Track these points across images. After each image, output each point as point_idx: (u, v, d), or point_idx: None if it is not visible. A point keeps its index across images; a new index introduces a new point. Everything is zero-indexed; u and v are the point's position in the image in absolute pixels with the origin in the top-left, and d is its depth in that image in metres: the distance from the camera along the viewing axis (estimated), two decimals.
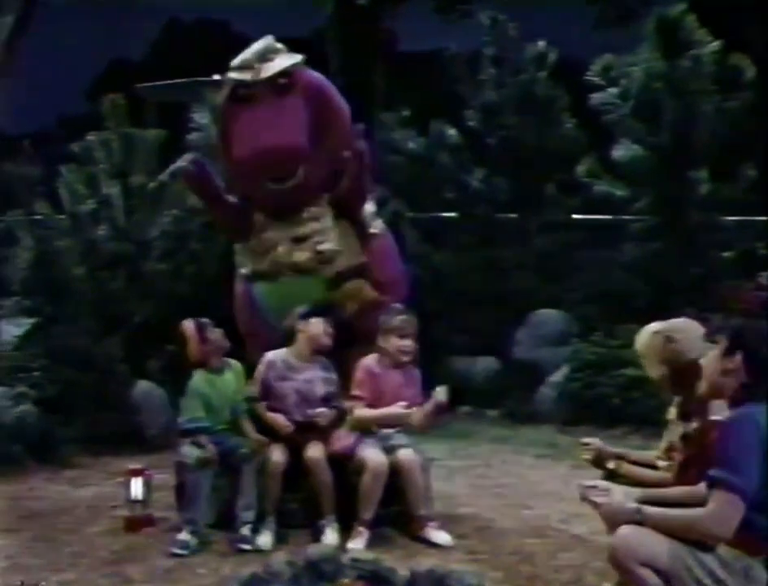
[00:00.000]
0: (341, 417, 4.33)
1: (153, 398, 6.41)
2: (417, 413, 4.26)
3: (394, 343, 4.30)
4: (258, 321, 4.61)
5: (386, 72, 9.13)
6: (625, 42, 8.23)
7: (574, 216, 8.74)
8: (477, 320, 8.03)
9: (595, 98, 7.76)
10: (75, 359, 6.39)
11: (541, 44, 8.81)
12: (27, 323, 7.10)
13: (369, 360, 4.35)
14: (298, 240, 4.43)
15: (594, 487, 2.85)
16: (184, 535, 4.07)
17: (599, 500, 2.77)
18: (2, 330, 7.17)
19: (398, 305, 4.41)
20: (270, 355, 4.36)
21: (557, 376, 7.29)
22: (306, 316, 4.33)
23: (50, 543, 4.22)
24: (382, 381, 4.31)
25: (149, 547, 4.11)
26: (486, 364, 7.90)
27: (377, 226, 4.68)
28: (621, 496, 2.78)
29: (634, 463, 3.31)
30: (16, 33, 7.16)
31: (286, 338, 4.39)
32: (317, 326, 4.32)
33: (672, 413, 3.30)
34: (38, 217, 7.03)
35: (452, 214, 8.91)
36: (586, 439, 3.37)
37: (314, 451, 4.18)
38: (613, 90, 7.71)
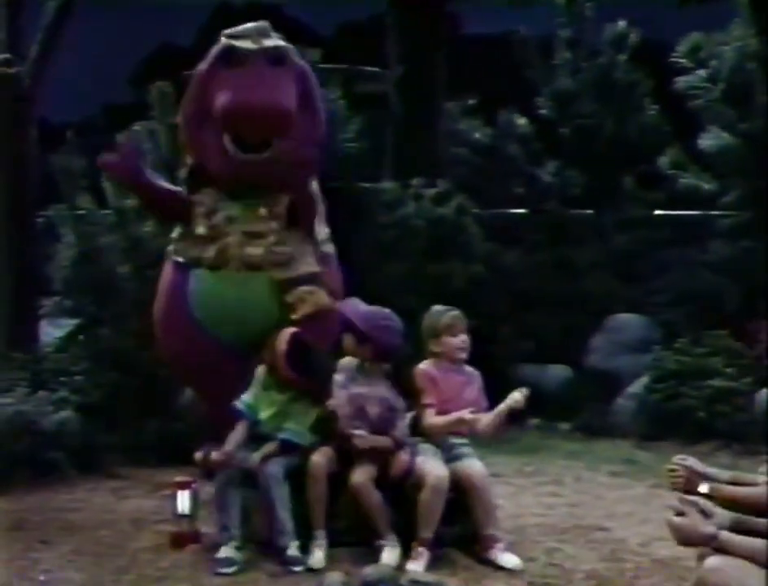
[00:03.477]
0: (397, 447, 4.26)
1: (200, 406, 6.46)
2: (488, 417, 4.25)
3: (448, 342, 4.32)
4: (183, 315, 4.59)
5: (450, 57, 9.11)
6: (715, 19, 8.08)
7: (656, 211, 8.63)
8: (549, 325, 7.97)
9: (681, 81, 7.63)
10: (119, 362, 6.47)
11: (621, 24, 8.70)
12: (69, 324, 7.22)
13: (426, 366, 4.36)
14: (253, 235, 4.51)
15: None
16: (226, 552, 4.10)
17: (673, 518, 2.75)
18: (43, 331, 7.31)
19: (438, 306, 4.41)
20: (345, 360, 4.39)
21: (636, 387, 7.19)
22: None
23: (92, 557, 4.29)
24: (443, 385, 4.32)
25: (196, 565, 4.14)
26: (557, 372, 7.83)
27: (328, 247, 4.78)
28: (700, 516, 2.74)
29: (731, 484, 3.22)
30: (60, 18, 7.33)
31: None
32: (347, 341, 4.33)
33: None
34: (81, 212, 7.14)
35: (522, 210, 8.85)
36: (677, 461, 3.29)
37: (359, 475, 4.13)
38: (701, 73, 7.57)
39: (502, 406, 4.25)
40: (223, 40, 4.62)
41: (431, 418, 4.28)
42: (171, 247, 4.79)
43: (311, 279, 4.57)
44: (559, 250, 8.40)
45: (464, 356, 4.38)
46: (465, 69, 10.64)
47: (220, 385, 4.50)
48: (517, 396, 4.24)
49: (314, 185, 4.75)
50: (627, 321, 7.82)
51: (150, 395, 6.39)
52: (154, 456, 6.03)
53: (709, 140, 7.59)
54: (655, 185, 8.46)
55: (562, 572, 4.05)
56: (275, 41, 4.61)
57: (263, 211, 4.57)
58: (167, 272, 4.80)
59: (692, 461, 3.23)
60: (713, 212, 7.94)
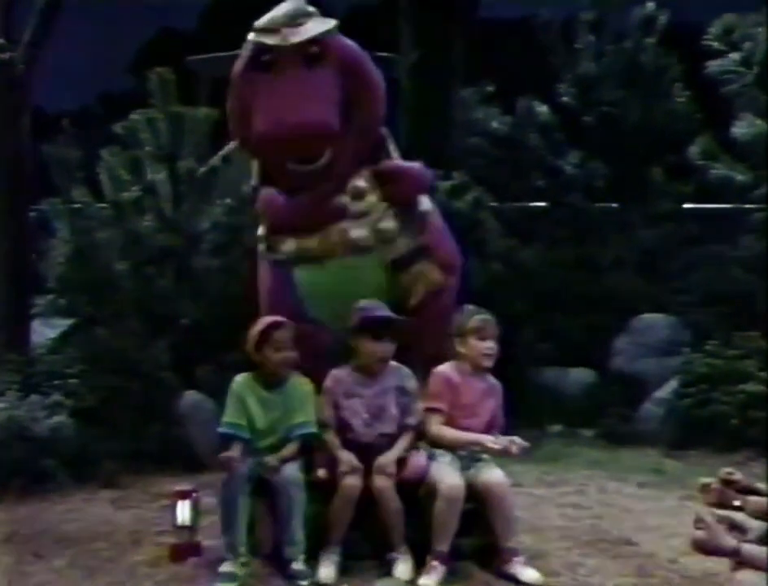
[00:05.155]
0: (417, 437, 4.30)
1: (202, 411, 6.47)
2: (501, 440, 4.22)
3: (475, 345, 4.29)
4: (297, 315, 4.46)
5: (467, 42, 9.09)
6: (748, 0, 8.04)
7: (686, 205, 8.59)
8: (571, 325, 7.95)
9: (713, 66, 7.59)
10: (116, 365, 6.48)
11: (649, 5, 8.68)
12: (63, 324, 7.24)
13: (446, 368, 4.35)
14: (354, 216, 4.43)
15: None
16: (228, 566, 4.09)
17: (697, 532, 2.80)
18: (36, 331, 7.31)
19: (471, 306, 4.40)
20: (336, 370, 4.37)
21: (664, 391, 7.17)
22: (358, 331, 4.29)
23: (87, 571, 4.29)
24: (461, 391, 4.30)
25: (196, 578, 4.15)
26: (580, 376, 7.81)
27: (425, 203, 4.64)
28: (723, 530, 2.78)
29: None
30: (54, 1, 7.33)
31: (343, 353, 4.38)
32: (372, 346, 4.29)
33: None
34: (77, 206, 7.16)
35: (542, 204, 8.83)
36: (707, 481, 3.30)
37: (382, 479, 4.13)
38: (734, 56, 7.53)
39: (505, 441, 4.19)
40: (252, 36, 4.46)
41: (440, 428, 4.26)
42: (261, 246, 4.62)
43: (419, 253, 4.47)
44: (582, 246, 8.38)
45: (489, 363, 4.34)
46: (483, 54, 10.61)
47: None
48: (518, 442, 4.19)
49: (394, 160, 4.62)
50: (654, 322, 7.79)
51: (149, 399, 6.40)
52: (153, 464, 6.04)
53: (743, 128, 7.54)
54: (684, 177, 8.43)
55: None
56: (310, 28, 4.40)
57: (360, 184, 4.46)
58: (264, 273, 4.64)
59: (739, 476, 3.23)
60: (746, 206, 7.90)
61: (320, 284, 4.47)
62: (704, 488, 3.30)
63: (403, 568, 4.08)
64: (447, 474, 4.11)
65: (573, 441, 7.18)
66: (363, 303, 4.34)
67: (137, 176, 7.20)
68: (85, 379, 6.30)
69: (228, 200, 7.40)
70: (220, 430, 4.28)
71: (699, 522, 2.87)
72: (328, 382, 4.34)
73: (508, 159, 8.92)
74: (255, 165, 4.69)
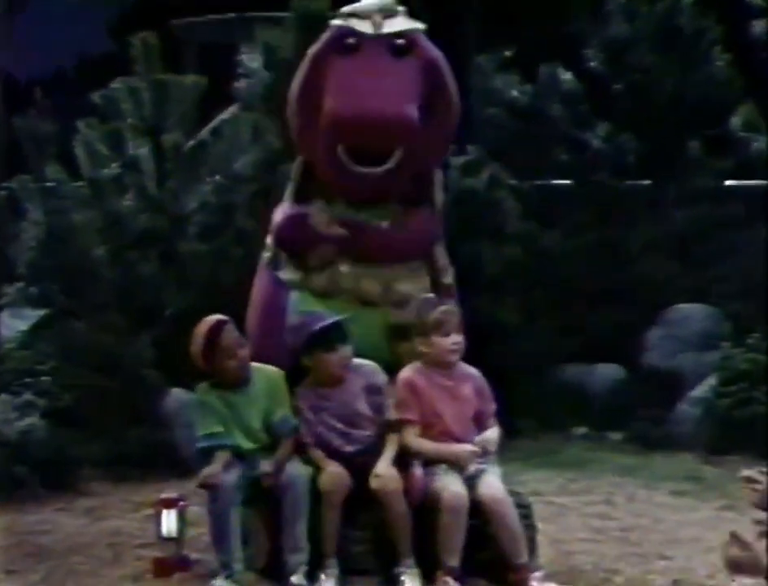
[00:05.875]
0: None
1: (189, 410, 6.49)
2: (489, 435, 4.33)
3: (439, 343, 4.30)
4: (279, 338, 4.52)
5: (483, 3, 9.08)
6: None
7: (726, 182, 8.58)
8: (597, 317, 7.96)
9: (757, 26, 7.58)
10: (94, 361, 6.51)
11: None
12: (34, 315, 7.25)
13: (408, 373, 4.34)
14: (369, 265, 4.53)
15: None
16: (221, 582, 4.10)
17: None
18: (4, 323, 7.33)
19: (430, 295, 4.42)
20: (300, 388, 4.41)
21: (701, 390, 7.19)
22: (310, 348, 4.32)
23: None
24: (430, 396, 4.31)
25: None
26: (607, 373, 7.82)
27: (449, 276, 4.76)
28: None
29: None
30: None
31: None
32: (329, 359, 4.33)
33: None
34: (50, 184, 7.17)
35: (566, 182, 8.83)
36: (750, 473, 3.29)
37: (391, 482, 4.16)
38: None
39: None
40: (337, 21, 4.63)
41: (416, 441, 4.27)
42: (267, 255, 4.73)
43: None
44: (609, 229, 8.36)
45: (455, 358, 4.35)
46: (501, 16, 10.60)
47: None
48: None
49: (440, 199, 4.78)
50: (690, 313, 7.80)
51: (130, 398, 6.42)
52: (135, 469, 6.06)
53: None
54: (724, 151, 8.41)
55: None
56: (400, 22, 4.62)
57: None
58: (262, 283, 4.73)
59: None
60: None
61: None
62: (749, 480, 3.29)
63: (410, 584, 4.09)
64: (448, 484, 4.13)
65: (599, 445, 7.20)
66: (301, 318, 4.38)
67: (117, 150, 7.21)
68: (59, 377, 6.32)
69: (217, 177, 7.41)
70: (199, 445, 4.30)
71: (734, 540, 2.86)
72: (296, 401, 4.38)
73: (528, 132, 8.90)
74: (293, 178, 4.75)
